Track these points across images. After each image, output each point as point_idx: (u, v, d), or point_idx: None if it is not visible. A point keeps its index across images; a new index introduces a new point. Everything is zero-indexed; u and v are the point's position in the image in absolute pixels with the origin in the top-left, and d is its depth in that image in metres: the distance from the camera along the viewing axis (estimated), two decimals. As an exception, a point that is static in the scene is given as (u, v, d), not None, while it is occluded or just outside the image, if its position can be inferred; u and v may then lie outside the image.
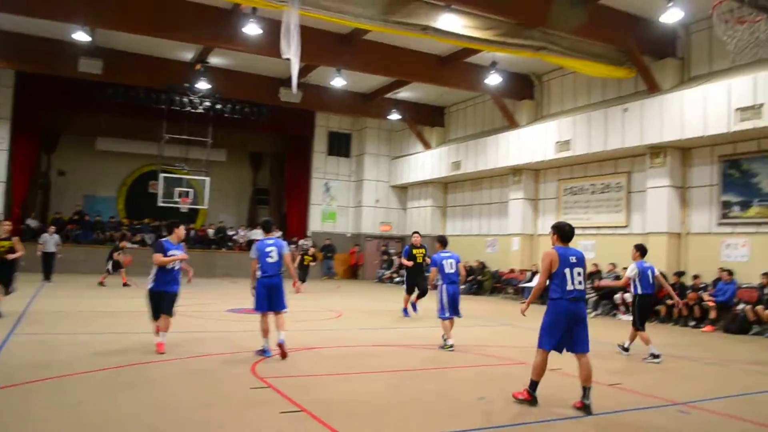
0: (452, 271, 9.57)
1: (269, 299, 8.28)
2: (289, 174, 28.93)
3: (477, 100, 24.31)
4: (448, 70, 19.91)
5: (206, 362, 7.78)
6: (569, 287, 5.99)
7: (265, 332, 8.30)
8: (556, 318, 5.99)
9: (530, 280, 19.26)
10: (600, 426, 5.60)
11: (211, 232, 26.79)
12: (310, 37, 13.63)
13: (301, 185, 28.33)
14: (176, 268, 8.30)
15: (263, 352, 8.21)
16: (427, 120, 26.29)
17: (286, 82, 22.45)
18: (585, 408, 5.89)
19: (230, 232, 27.20)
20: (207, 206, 25.04)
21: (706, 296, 13.87)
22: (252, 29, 15.82)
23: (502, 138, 21.61)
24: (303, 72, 16.41)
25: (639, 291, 9.43)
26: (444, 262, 9.59)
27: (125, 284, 18.12)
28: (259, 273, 8.28)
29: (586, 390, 5.96)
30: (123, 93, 22.10)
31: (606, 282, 11.26)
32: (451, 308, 9.49)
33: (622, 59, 16.64)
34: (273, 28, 15.54)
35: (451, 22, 14.76)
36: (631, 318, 10.29)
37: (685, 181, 16.20)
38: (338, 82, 21.22)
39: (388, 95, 24.31)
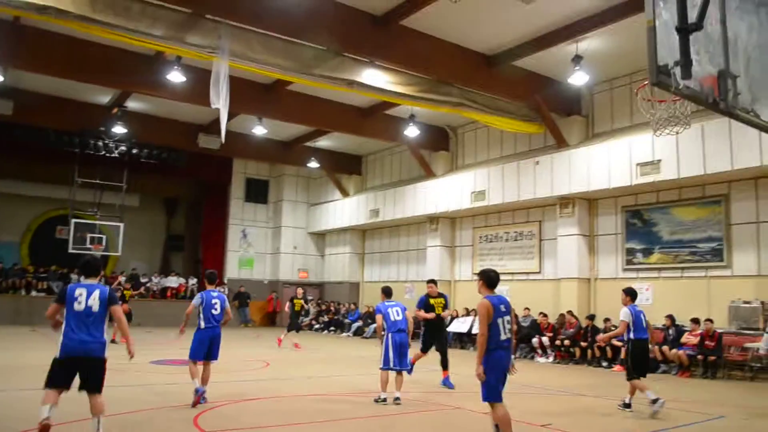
0: (399, 318, 9.31)
1: (209, 349, 8.42)
2: (206, 220, 28.63)
3: (394, 150, 25.02)
4: (368, 122, 20.49)
5: (146, 416, 7.58)
6: (503, 336, 6.05)
7: (194, 374, 8.37)
8: (500, 368, 5.97)
9: (448, 325, 19.71)
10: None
11: (122, 279, 25.76)
12: (233, 86, 13.69)
13: (218, 231, 27.96)
14: None
15: (197, 391, 8.20)
16: (345, 168, 26.77)
17: (205, 128, 22.51)
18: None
19: (143, 279, 26.31)
20: (120, 253, 24.23)
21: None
22: (175, 77, 15.78)
23: (420, 187, 22.32)
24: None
25: (632, 336, 8.93)
26: (389, 310, 9.37)
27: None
28: (202, 323, 8.39)
29: None
30: (31, 134, 21.20)
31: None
32: (397, 358, 9.11)
33: (532, 116, 17.76)
34: (197, 75, 15.67)
35: (375, 77, 15.31)
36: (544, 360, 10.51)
37: (592, 230, 17.32)
38: (259, 130, 21.45)
39: (308, 143, 24.64)
